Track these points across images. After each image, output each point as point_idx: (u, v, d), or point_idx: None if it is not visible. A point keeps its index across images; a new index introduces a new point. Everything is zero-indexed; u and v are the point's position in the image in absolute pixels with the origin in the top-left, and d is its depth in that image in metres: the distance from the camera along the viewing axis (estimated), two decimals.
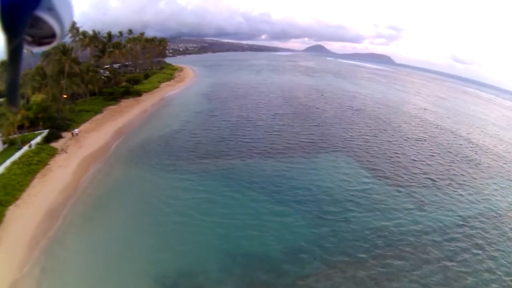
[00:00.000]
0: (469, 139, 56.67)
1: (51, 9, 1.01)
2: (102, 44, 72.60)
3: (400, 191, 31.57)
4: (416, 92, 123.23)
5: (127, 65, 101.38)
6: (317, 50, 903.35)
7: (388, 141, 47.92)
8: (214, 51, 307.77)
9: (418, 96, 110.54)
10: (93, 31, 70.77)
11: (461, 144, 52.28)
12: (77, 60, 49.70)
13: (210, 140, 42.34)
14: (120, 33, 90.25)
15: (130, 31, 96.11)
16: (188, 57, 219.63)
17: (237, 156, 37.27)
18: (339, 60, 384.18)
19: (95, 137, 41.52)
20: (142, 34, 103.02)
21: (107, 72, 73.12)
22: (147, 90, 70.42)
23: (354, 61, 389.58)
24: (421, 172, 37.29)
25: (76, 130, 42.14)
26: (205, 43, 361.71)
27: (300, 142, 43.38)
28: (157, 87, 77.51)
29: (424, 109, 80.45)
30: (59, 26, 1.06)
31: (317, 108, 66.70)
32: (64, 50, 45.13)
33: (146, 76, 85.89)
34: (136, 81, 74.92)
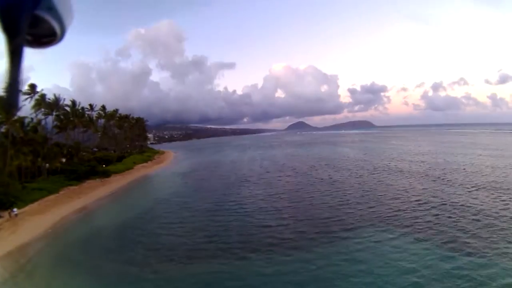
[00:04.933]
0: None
1: (51, 9, 1.00)
2: (64, 113, 65.07)
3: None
4: (419, 144, 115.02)
5: (107, 149, 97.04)
6: (299, 126, 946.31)
7: (440, 201, 35.51)
8: (198, 138, 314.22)
9: (426, 147, 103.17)
10: (54, 95, 63.00)
11: None
12: (34, 127, 43.53)
13: (187, 233, 29.84)
14: (91, 105, 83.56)
15: (103, 107, 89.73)
16: (173, 143, 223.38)
17: (232, 257, 24.21)
18: (323, 132, 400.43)
19: (38, 221, 32.96)
20: (115, 110, 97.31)
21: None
22: (118, 171, 62.15)
23: (338, 131, 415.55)
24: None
25: (15, 210, 34.06)
26: (190, 130, 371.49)
27: (323, 226, 30.07)
28: (130, 168, 69.62)
29: (447, 158, 68.81)
30: (59, 26, 1.06)
31: (330, 179, 53.64)
32: (8, 108, 39.73)
33: (121, 158, 78.66)
34: (107, 161, 67.48)
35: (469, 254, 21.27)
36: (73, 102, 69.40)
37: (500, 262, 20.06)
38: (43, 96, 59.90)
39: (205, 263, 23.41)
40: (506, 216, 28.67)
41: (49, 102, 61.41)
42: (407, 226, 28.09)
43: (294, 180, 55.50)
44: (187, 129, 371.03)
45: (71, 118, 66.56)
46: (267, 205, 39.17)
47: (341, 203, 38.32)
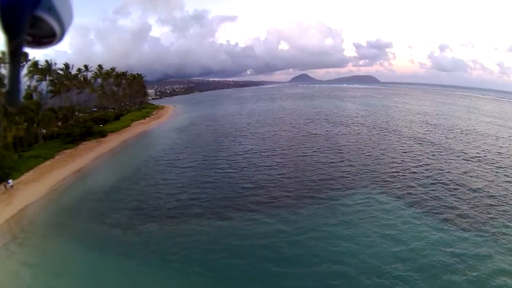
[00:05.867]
0: None
1: (51, 9, 1.00)
2: (57, 77, 64.03)
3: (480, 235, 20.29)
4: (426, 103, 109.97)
5: (106, 107, 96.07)
6: (302, 79, 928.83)
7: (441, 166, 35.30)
8: (201, 90, 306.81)
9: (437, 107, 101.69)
10: (46, 61, 61.59)
11: None
12: (29, 94, 42.66)
13: (173, 193, 30.13)
14: (86, 66, 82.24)
15: (100, 67, 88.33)
16: (175, 97, 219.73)
17: (214, 218, 24.32)
18: (326, 85, 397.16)
19: (32, 190, 32.98)
20: (112, 69, 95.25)
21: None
22: (115, 130, 61.40)
23: (340, 85, 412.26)
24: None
25: (10, 182, 34.06)
26: (192, 83, 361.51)
27: (313, 187, 29.90)
28: (127, 125, 68.72)
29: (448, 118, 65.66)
30: (59, 26, 1.07)
31: (326, 135, 53.29)
32: (10, 106, 38.27)
33: (118, 116, 77.48)
34: (104, 121, 66.61)
35: (464, 239, 20.11)
36: (66, 65, 68.55)
37: (494, 245, 19.30)
38: (35, 63, 58.88)
39: (186, 225, 23.38)
40: (507, 197, 27.04)
41: (41, 68, 60.15)
42: (401, 194, 27.22)
43: (290, 135, 54.59)
44: (189, 83, 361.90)
45: (64, 82, 65.52)
46: (258, 162, 38.69)
47: (335, 162, 37.47)
